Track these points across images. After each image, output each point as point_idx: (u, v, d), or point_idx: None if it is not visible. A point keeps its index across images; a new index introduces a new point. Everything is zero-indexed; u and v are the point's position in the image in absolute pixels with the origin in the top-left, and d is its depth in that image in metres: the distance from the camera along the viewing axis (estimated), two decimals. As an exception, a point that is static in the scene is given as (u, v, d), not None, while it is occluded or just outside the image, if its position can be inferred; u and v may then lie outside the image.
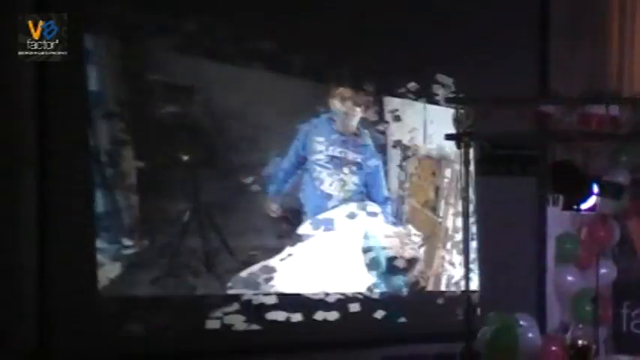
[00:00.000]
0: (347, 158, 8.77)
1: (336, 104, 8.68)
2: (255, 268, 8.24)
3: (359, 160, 8.85)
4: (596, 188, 8.19)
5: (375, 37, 8.61)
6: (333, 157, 8.68)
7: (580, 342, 8.53)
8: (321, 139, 8.62)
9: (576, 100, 8.50)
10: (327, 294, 8.57)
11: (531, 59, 9.44)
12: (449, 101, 7.71)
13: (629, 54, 9.76)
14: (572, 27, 9.76)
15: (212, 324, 7.98)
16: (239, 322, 8.18)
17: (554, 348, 8.97)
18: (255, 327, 8.25)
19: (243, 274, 8.15)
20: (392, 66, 8.80)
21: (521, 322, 8.69)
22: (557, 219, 9.47)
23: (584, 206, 8.32)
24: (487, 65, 9.03)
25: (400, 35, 8.76)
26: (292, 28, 8.16)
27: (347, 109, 8.71)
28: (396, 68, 8.83)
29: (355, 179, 8.83)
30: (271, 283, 8.33)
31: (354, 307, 8.66)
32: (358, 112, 8.77)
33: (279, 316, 8.39)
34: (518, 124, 7.84)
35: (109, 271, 7.62)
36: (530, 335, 8.70)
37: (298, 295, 8.44)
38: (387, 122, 9.01)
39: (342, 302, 8.63)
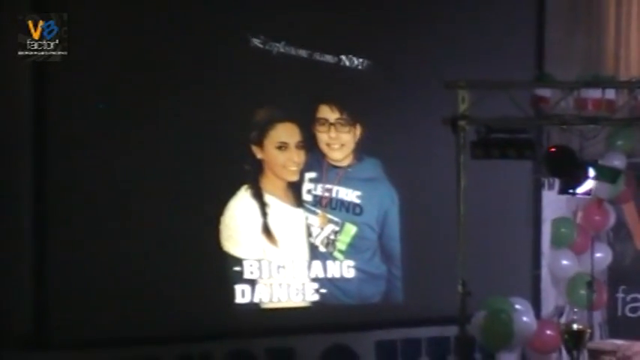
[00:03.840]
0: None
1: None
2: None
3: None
4: (591, 172, 8.18)
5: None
6: None
7: (575, 326, 8.54)
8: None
9: (572, 84, 8.48)
10: (318, 277, 8.60)
11: (528, 43, 9.41)
12: (446, 85, 7.67)
13: (625, 38, 9.72)
14: (568, 11, 9.73)
15: (214, 307, 8.07)
16: (233, 305, 8.23)
17: (549, 332, 8.97)
18: (249, 308, 8.29)
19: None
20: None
21: (517, 306, 8.69)
22: (552, 203, 9.46)
23: (579, 190, 8.30)
24: (484, 49, 9.01)
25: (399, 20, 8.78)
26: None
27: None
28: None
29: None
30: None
31: (345, 290, 8.68)
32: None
33: (274, 297, 8.43)
34: (514, 108, 7.81)
35: (106, 260, 7.66)
36: (525, 319, 8.69)
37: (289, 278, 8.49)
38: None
39: (332, 285, 8.66)
